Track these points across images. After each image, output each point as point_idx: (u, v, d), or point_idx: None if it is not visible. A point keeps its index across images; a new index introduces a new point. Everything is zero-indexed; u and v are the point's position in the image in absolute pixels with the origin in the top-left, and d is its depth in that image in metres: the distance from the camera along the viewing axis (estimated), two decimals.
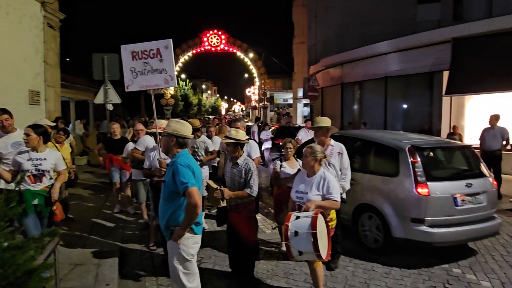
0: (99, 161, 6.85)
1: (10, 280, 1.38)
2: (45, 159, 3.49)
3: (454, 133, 9.97)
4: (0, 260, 1.46)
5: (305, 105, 29.46)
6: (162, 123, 4.24)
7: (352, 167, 4.26)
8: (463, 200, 4.09)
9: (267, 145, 12.12)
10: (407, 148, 4.20)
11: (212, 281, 3.70)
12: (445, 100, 11.22)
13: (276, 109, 38.61)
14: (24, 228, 3.27)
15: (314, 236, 2.81)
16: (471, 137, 10.37)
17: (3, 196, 1.66)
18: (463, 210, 4.08)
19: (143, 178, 5.21)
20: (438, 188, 4.04)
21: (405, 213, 4.09)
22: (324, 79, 17.69)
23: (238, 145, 3.60)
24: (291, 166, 4.37)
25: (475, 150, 4.90)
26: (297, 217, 2.96)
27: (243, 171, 3.54)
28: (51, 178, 3.56)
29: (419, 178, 4.01)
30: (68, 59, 22.64)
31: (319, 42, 19.98)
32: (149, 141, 4.74)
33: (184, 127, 2.76)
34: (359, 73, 14.87)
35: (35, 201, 3.39)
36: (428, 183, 4.00)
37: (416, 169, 4.05)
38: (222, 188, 3.48)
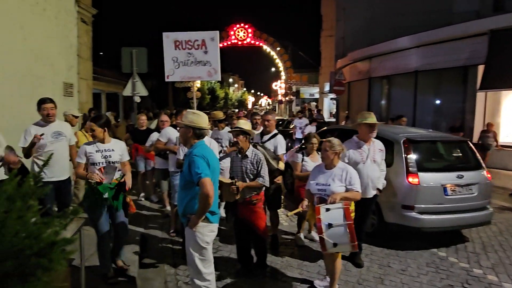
0: None
1: (35, 250, 1.53)
2: (113, 150, 3.40)
3: (488, 130, 9.50)
4: (27, 232, 1.62)
5: (332, 99, 28.99)
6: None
7: None
8: (453, 190, 4.39)
9: None
10: (402, 140, 4.51)
11: (227, 268, 3.81)
12: (480, 95, 10.68)
13: (302, 104, 38.26)
14: (96, 221, 3.34)
15: (350, 226, 2.88)
16: (507, 135, 9.85)
17: (31, 175, 1.82)
18: (452, 199, 4.37)
19: (166, 167, 5.41)
20: (428, 178, 4.35)
21: (397, 200, 4.39)
22: (351, 73, 17.33)
23: (246, 134, 3.56)
24: (313, 161, 4.36)
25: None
26: (327, 209, 2.99)
27: (254, 162, 3.54)
28: (119, 170, 3.46)
29: (410, 169, 4.35)
30: (101, 53, 23.58)
31: (348, 35, 19.53)
32: (171, 132, 4.88)
33: (200, 119, 2.81)
34: (387, 67, 14.44)
35: (106, 195, 3.29)
36: (419, 173, 4.33)
37: (408, 160, 4.38)
38: (236, 181, 3.44)
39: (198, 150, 2.71)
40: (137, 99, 8.17)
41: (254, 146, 4.01)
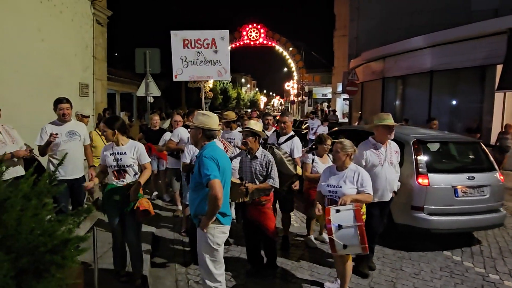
0: None
1: (49, 247, 1.57)
2: (125, 153, 3.27)
3: (507, 132, 9.24)
4: (42, 230, 1.66)
5: (344, 99, 28.72)
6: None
7: None
8: (464, 192, 4.35)
9: None
10: (411, 141, 4.51)
11: (237, 268, 3.82)
12: (498, 96, 10.40)
13: (314, 104, 37.95)
14: (109, 221, 3.36)
15: (360, 228, 2.87)
16: None
17: (47, 174, 1.86)
18: (463, 201, 4.34)
19: (178, 167, 5.46)
20: (438, 179, 4.34)
21: (406, 201, 4.38)
22: (364, 73, 17.12)
23: (256, 135, 3.54)
24: (323, 163, 4.32)
25: None
26: (337, 211, 2.98)
27: (264, 164, 3.52)
28: (136, 174, 3.35)
29: (420, 170, 4.33)
30: (116, 54, 23.98)
31: (361, 35, 19.31)
32: (183, 132, 4.93)
33: (210, 120, 2.80)
34: (402, 67, 14.21)
35: (117, 197, 3.25)
36: (429, 174, 4.31)
37: (418, 161, 4.38)
38: (246, 183, 3.43)
39: (208, 151, 2.71)
40: (151, 99, 8.27)
41: (271, 148, 3.99)
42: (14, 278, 1.45)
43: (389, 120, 3.72)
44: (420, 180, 4.28)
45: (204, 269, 2.78)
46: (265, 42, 27.22)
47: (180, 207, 5.65)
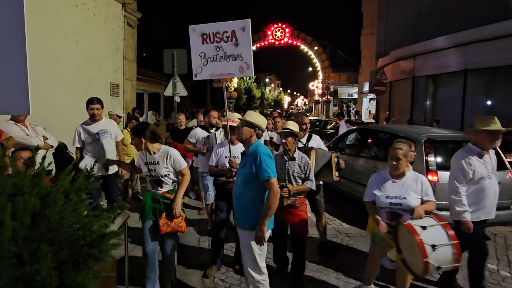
0: None
1: (87, 241, 1.64)
2: (157, 162, 3.03)
3: None
4: (81, 224, 1.74)
5: (371, 99, 28.03)
6: (235, 116, 3.98)
7: (378, 157, 4.87)
8: None
9: None
10: (423, 140, 4.73)
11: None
12: None
13: (340, 104, 37.26)
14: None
15: (457, 247, 2.56)
16: None
17: (84, 172, 1.95)
18: None
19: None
20: (447, 176, 4.20)
21: None
22: (393, 72, 16.64)
23: (295, 136, 3.48)
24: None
25: None
26: (423, 228, 2.60)
27: (302, 166, 3.44)
28: (174, 182, 3.13)
29: (430, 167, 4.50)
30: (144, 54, 24.64)
31: (390, 33, 18.79)
32: (199, 133, 4.94)
33: (263, 121, 2.89)
34: (433, 66, 13.69)
35: (155, 205, 3.09)
36: (439, 171, 4.47)
37: (428, 159, 4.56)
38: (288, 185, 3.30)
39: (263, 148, 2.76)
40: (178, 99, 8.45)
41: (312, 149, 3.94)
42: (56, 269, 1.52)
43: (494, 124, 3.17)
44: (429, 177, 4.42)
45: (251, 262, 2.77)
46: (290, 41, 27.06)
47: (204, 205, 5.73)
